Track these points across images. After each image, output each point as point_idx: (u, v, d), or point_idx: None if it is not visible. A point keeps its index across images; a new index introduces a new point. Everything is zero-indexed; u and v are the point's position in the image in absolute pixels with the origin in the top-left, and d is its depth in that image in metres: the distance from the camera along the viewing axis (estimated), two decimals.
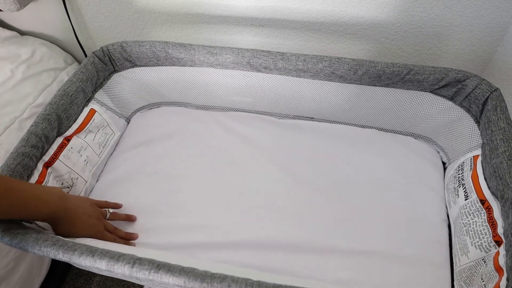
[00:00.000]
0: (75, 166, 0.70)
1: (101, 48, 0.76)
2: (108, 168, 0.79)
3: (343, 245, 0.65)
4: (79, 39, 0.96)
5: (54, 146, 0.66)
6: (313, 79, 0.74)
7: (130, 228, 0.68)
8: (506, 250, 0.49)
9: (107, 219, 0.66)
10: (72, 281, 1.00)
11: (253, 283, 0.45)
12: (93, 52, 0.75)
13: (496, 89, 0.63)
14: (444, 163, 0.76)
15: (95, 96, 0.76)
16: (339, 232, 0.66)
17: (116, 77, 0.80)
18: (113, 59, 0.78)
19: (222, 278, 0.45)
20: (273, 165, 0.76)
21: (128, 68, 0.80)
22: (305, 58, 0.70)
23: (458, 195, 0.65)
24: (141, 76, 0.82)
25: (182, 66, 0.78)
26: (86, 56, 1.00)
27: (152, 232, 0.68)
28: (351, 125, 0.82)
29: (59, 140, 0.67)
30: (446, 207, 0.69)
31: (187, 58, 0.75)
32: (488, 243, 0.55)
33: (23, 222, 0.57)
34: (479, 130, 0.66)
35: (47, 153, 0.65)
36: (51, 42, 1.01)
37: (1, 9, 0.83)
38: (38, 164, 0.63)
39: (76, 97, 0.70)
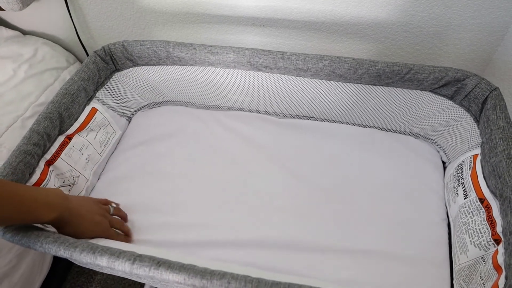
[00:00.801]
0: (77, 165, 0.71)
1: (103, 47, 0.76)
2: (109, 167, 0.79)
3: (342, 244, 0.65)
4: (81, 38, 0.97)
5: (56, 145, 0.67)
6: (313, 78, 0.74)
7: (129, 224, 0.68)
8: (504, 249, 0.49)
9: (112, 215, 0.65)
10: (73, 280, 1.00)
11: (252, 280, 0.45)
12: (95, 52, 0.76)
13: (496, 88, 0.64)
14: (444, 163, 0.76)
15: (96, 95, 0.76)
16: (338, 231, 0.66)
17: (117, 76, 0.81)
18: (115, 58, 0.78)
19: (222, 275, 0.45)
20: (273, 165, 0.76)
21: (129, 67, 0.81)
22: (305, 57, 0.70)
23: (457, 194, 0.65)
24: (143, 75, 0.82)
25: (183, 65, 0.78)
26: (88, 55, 1.01)
27: (152, 230, 0.68)
28: (351, 124, 0.82)
29: (61, 138, 0.68)
30: (446, 206, 0.70)
31: (188, 58, 0.76)
32: (487, 242, 0.55)
33: None
34: (479, 129, 0.66)
35: (48, 151, 0.65)
36: (53, 41, 1.02)
37: (3, 8, 0.84)
38: (40, 162, 0.63)
39: (78, 96, 0.70)
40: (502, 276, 0.48)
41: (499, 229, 0.53)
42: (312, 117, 0.84)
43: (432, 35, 0.79)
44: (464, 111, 0.69)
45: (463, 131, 0.70)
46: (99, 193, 0.75)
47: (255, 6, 0.82)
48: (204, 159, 0.78)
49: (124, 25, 0.94)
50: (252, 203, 0.71)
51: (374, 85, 0.72)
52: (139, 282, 0.96)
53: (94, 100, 0.75)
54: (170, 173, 0.76)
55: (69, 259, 0.54)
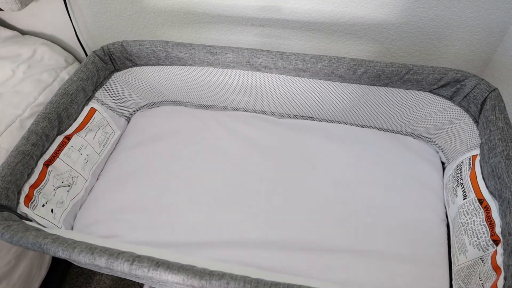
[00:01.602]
0: (76, 165, 0.71)
1: (102, 47, 0.76)
2: (108, 167, 0.79)
3: (341, 245, 0.65)
4: (80, 38, 0.97)
5: (55, 145, 0.67)
6: (312, 78, 0.74)
7: (128, 227, 0.68)
8: (503, 249, 0.49)
9: None
10: (72, 280, 1.00)
11: (251, 281, 0.45)
12: (94, 52, 0.76)
13: (495, 89, 0.64)
14: (443, 163, 0.76)
15: (95, 95, 0.76)
16: (337, 231, 0.66)
17: (116, 76, 0.80)
18: (114, 59, 0.78)
19: (221, 275, 0.45)
20: (273, 164, 0.76)
21: (128, 67, 0.81)
22: (305, 57, 0.70)
23: (456, 194, 0.65)
24: (142, 76, 0.82)
25: (182, 65, 0.78)
26: (87, 55, 1.01)
27: (152, 231, 0.68)
28: (350, 124, 0.82)
29: (60, 138, 0.68)
30: (445, 207, 0.70)
31: (187, 58, 0.76)
32: (486, 242, 0.55)
33: (23, 220, 0.57)
34: (478, 130, 0.66)
35: (47, 152, 0.65)
36: (52, 41, 1.01)
37: (2, 8, 0.84)
38: (39, 162, 0.63)
39: (77, 96, 0.70)
40: (501, 277, 0.48)
41: (498, 229, 0.53)
42: (312, 117, 0.84)
43: (431, 36, 0.79)
44: (463, 111, 0.69)
45: (462, 132, 0.70)
46: (98, 194, 0.75)
47: (254, 6, 0.82)
48: (204, 159, 0.78)
49: (123, 25, 0.94)
50: (252, 203, 0.71)
51: (374, 85, 0.72)
52: (138, 282, 0.96)
53: (93, 100, 0.75)
54: (169, 173, 0.76)
55: (68, 260, 0.53)
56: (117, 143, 0.84)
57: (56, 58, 0.96)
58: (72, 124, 0.70)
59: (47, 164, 0.65)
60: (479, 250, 0.56)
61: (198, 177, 0.75)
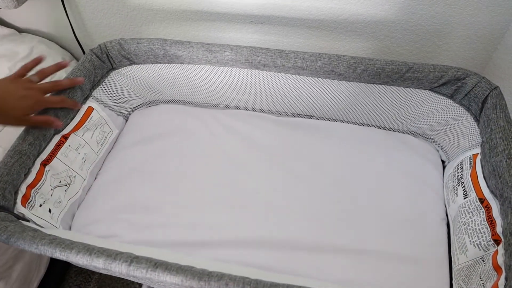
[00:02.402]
0: (73, 164, 0.70)
1: (99, 45, 0.76)
2: (106, 166, 0.79)
3: (341, 244, 0.64)
4: (77, 36, 0.96)
5: (52, 144, 0.66)
6: (312, 76, 0.74)
7: (126, 226, 0.68)
8: (504, 249, 0.49)
9: (39, 81, 0.60)
10: (71, 279, 1.00)
11: (250, 282, 0.45)
12: (91, 50, 0.75)
13: (496, 87, 0.63)
14: (443, 162, 0.76)
15: (93, 93, 0.75)
16: (337, 230, 0.66)
17: (114, 74, 0.80)
18: (111, 57, 0.77)
19: (220, 276, 0.45)
20: (272, 163, 0.76)
21: (126, 65, 0.80)
22: (304, 55, 0.70)
23: (457, 193, 0.65)
24: (139, 74, 0.81)
25: (181, 63, 0.78)
26: (84, 53, 1.00)
27: (150, 230, 0.67)
28: (350, 123, 0.82)
29: (57, 138, 0.67)
30: (445, 206, 0.69)
31: (185, 56, 0.75)
32: (487, 242, 0.54)
33: (21, 220, 0.57)
34: (479, 128, 0.65)
35: (44, 151, 0.65)
36: (50, 39, 1.01)
37: None
38: (36, 162, 0.63)
39: (74, 95, 0.69)
40: (502, 277, 0.47)
41: (499, 229, 0.53)
42: (311, 116, 0.83)
43: (431, 33, 0.79)
44: (464, 110, 0.68)
45: (463, 130, 0.69)
46: (96, 193, 0.74)
47: (253, 4, 0.81)
48: (202, 158, 0.78)
49: (121, 23, 0.93)
50: (251, 202, 0.71)
51: (373, 83, 0.72)
52: (138, 282, 0.95)
53: (90, 99, 0.75)
54: (168, 172, 0.76)
55: (66, 261, 0.53)
56: (115, 142, 0.83)
57: (53, 56, 0.96)
58: (69, 123, 0.69)
59: (44, 163, 0.64)
60: (480, 250, 0.55)
61: (197, 176, 0.75)
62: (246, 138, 0.80)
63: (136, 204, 0.71)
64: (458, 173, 0.67)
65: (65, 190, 0.68)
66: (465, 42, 0.79)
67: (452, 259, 0.62)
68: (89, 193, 0.74)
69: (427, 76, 0.67)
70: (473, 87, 0.65)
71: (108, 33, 0.97)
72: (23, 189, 0.60)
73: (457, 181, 0.66)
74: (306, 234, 0.66)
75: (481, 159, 0.62)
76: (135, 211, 0.70)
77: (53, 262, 0.89)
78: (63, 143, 0.68)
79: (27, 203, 0.60)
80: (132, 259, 0.47)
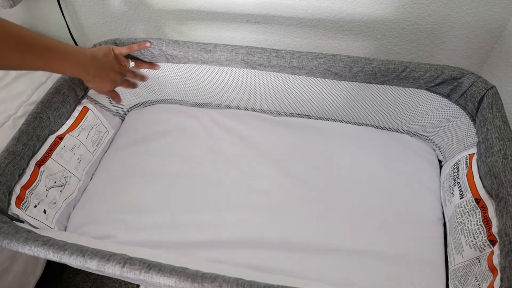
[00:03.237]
0: (68, 165, 0.70)
1: (94, 45, 0.75)
2: (102, 167, 0.79)
3: (337, 244, 0.64)
4: (73, 36, 0.96)
5: (46, 145, 0.66)
6: (308, 76, 0.73)
7: (122, 227, 0.68)
8: (500, 250, 0.49)
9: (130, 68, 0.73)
10: (68, 279, 1.00)
11: (244, 283, 0.44)
12: None
13: (492, 87, 0.63)
14: (440, 161, 0.76)
15: (88, 93, 0.75)
16: (333, 231, 0.66)
17: None
18: None
19: (213, 278, 0.45)
20: (268, 163, 0.76)
21: None
22: (300, 55, 0.69)
23: (453, 193, 0.65)
24: None
25: (176, 63, 0.77)
26: None
27: (147, 231, 0.67)
28: (346, 122, 0.82)
29: (52, 138, 0.67)
30: (442, 206, 0.69)
31: (181, 55, 0.75)
32: (483, 243, 0.54)
33: (15, 222, 0.57)
34: (475, 128, 0.65)
35: (39, 152, 0.64)
36: None
37: None
38: (30, 162, 0.62)
39: (68, 95, 0.69)
40: (498, 278, 0.47)
41: (494, 230, 0.52)
42: (308, 115, 0.83)
43: (428, 32, 0.78)
44: (460, 109, 0.68)
45: (459, 130, 0.69)
46: (91, 194, 0.74)
47: (250, 3, 0.81)
48: (199, 157, 0.77)
49: (117, 22, 0.93)
50: (247, 202, 0.70)
51: (370, 83, 0.71)
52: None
53: (85, 99, 0.74)
54: (164, 172, 0.76)
55: (60, 262, 0.53)
56: (111, 142, 0.83)
57: None
58: (64, 123, 0.69)
59: (39, 164, 0.64)
60: (476, 250, 0.55)
61: (193, 176, 0.75)
62: (243, 138, 0.80)
63: (132, 204, 0.71)
64: (454, 173, 0.67)
65: (60, 191, 0.68)
66: (462, 41, 0.79)
67: (448, 259, 0.62)
68: (84, 194, 0.74)
69: (424, 76, 0.67)
70: (470, 87, 0.65)
71: (104, 32, 0.96)
72: (17, 190, 0.59)
73: (453, 181, 0.66)
74: (302, 234, 0.66)
75: (477, 159, 0.61)
76: (130, 212, 0.70)
77: (50, 262, 0.89)
78: (58, 143, 0.68)
79: (22, 204, 0.60)
80: (126, 261, 0.47)
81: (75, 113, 0.71)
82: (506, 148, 0.55)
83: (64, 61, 0.58)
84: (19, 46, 0.51)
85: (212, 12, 0.85)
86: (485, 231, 0.54)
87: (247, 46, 0.71)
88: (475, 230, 0.56)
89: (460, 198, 0.62)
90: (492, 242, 0.53)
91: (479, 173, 0.59)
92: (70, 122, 0.70)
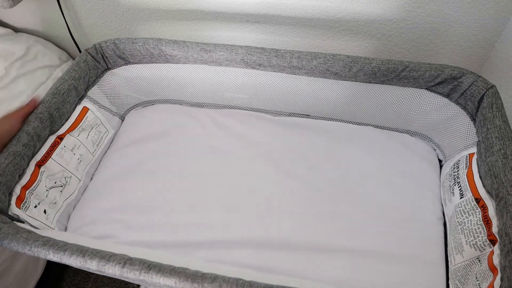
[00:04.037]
0: (68, 165, 0.70)
1: (94, 45, 0.75)
2: (102, 167, 0.79)
3: (337, 244, 0.64)
4: (73, 36, 0.96)
5: (47, 145, 0.66)
6: (308, 76, 0.73)
7: (122, 227, 0.68)
8: (500, 250, 0.49)
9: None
10: (69, 279, 1.00)
11: (244, 283, 0.44)
12: (86, 50, 0.75)
13: (492, 86, 0.63)
14: (440, 161, 0.76)
15: (88, 94, 0.75)
16: (333, 230, 0.66)
17: (109, 74, 0.79)
18: (106, 57, 0.77)
19: (213, 278, 0.45)
20: (268, 163, 0.76)
21: (121, 65, 0.79)
22: (300, 55, 0.69)
23: (453, 193, 0.65)
24: (135, 74, 0.81)
25: (176, 63, 0.77)
26: (81, 52, 0.99)
27: (146, 230, 0.67)
28: (346, 122, 0.82)
29: (52, 138, 0.67)
30: (442, 205, 0.69)
31: (180, 55, 0.75)
32: (483, 242, 0.54)
33: (15, 222, 0.57)
34: (475, 127, 0.65)
35: (39, 152, 0.64)
36: (46, 39, 1.00)
37: None
38: (30, 163, 0.63)
39: (69, 95, 0.69)
40: (498, 278, 0.47)
41: (494, 229, 0.52)
42: (308, 115, 0.83)
43: (428, 32, 0.78)
44: (460, 109, 0.68)
45: (459, 130, 0.69)
46: (92, 193, 0.74)
47: (249, 3, 0.81)
48: (199, 158, 0.77)
49: (117, 22, 0.93)
50: (247, 202, 0.70)
51: (370, 82, 0.71)
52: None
53: (85, 99, 0.74)
54: (164, 172, 0.76)
55: (60, 262, 0.53)
56: (111, 142, 0.83)
57: (49, 55, 0.95)
58: (64, 123, 0.69)
59: (39, 164, 0.64)
60: (476, 250, 0.55)
61: (193, 176, 0.75)
62: (243, 138, 0.80)
63: (132, 204, 0.71)
64: (454, 172, 0.67)
65: (61, 191, 0.68)
66: (462, 40, 0.79)
67: (449, 259, 0.62)
68: (85, 194, 0.74)
69: (423, 75, 0.67)
70: (469, 86, 0.65)
71: (104, 32, 0.96)
72: (17, 190, 0.60)
73: (453, 180, 0.66)
74: (302, 234, 0.66)
75: (477, 159, 0.61)
76: (131, 212, 0.70)
77: (51, 262, 0.89)
78: (58, 143, 0.68)
79: (22, 205, 0.60)
80: (126, 261, 0.47)
81: (75, 113, 0.72)
82: (506, 148, 0.55)
83: None
84: None
85: (211, 12, 0.85)
86: (485, 231, 0.54)
87: (246, 46, 0.71)
88: (475, 229, 0.56)
89: (460, 198, 0.62)
90: (492, 241, 0.53)
91: (479, 172, 0.59)
92: (70, 122, 0.70)
